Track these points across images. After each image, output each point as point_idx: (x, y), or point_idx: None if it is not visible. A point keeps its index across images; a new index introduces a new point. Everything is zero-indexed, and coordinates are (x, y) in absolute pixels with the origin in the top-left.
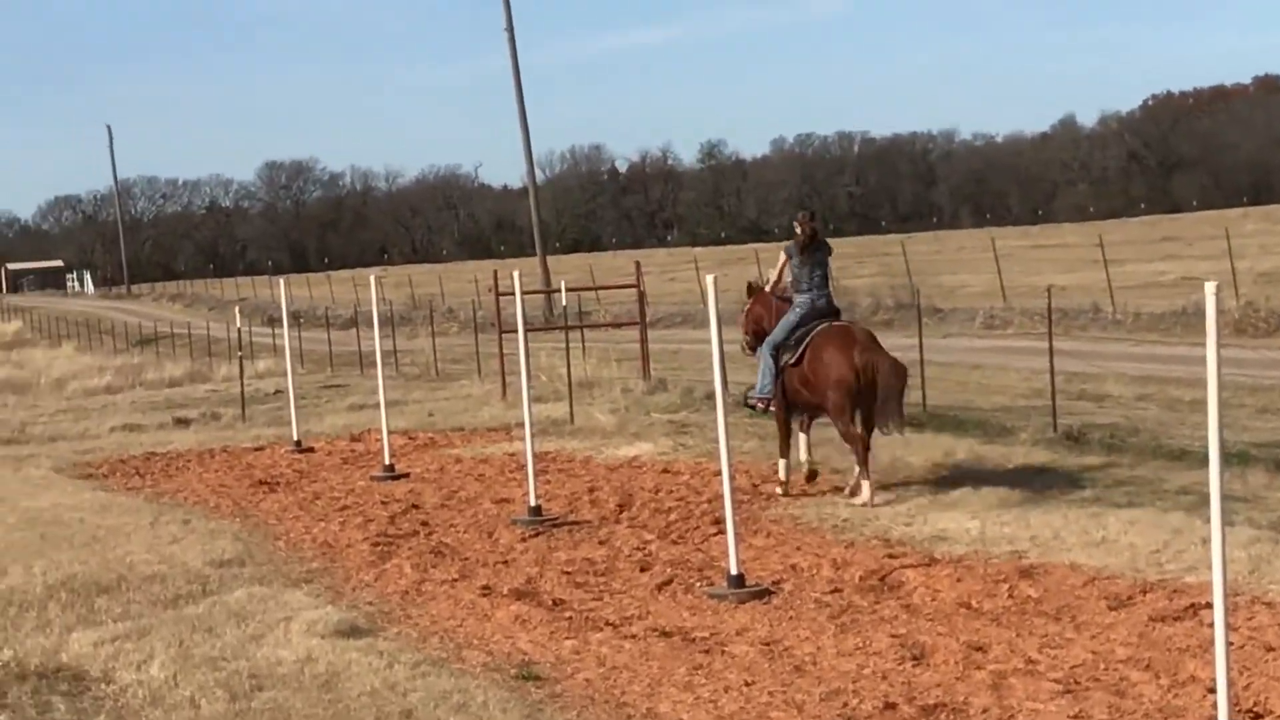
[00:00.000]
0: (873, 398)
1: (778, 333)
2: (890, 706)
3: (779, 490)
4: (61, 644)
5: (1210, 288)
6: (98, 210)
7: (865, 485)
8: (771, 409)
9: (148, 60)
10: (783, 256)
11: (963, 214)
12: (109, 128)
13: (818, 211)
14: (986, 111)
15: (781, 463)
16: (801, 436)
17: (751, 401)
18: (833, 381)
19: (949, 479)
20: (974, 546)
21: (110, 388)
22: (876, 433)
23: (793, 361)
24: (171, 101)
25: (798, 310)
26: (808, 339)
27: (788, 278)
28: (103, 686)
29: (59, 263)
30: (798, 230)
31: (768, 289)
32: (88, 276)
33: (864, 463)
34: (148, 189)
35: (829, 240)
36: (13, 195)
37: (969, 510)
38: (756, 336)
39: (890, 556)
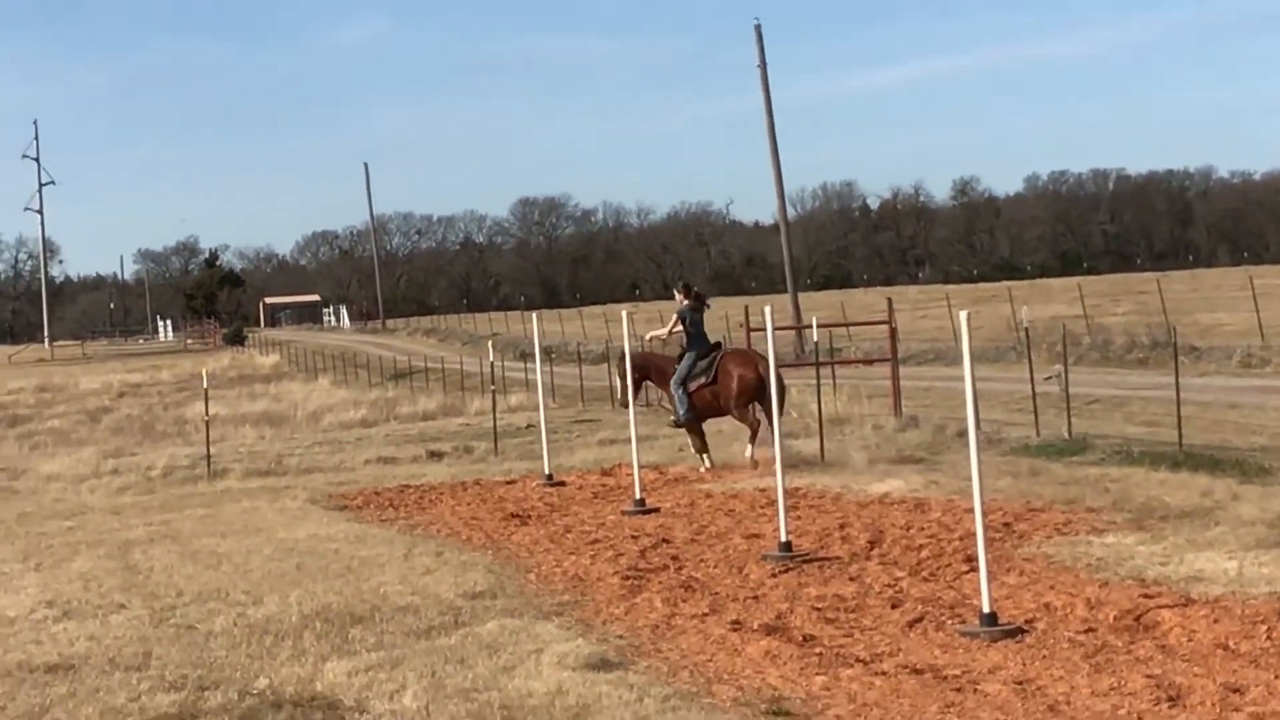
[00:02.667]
0: (765, 394)
1: (682, 371)
2: None
3: (704, 468)
4: (316, 673)
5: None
6: (354, 246)
7: (750, 449)
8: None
9: (405, 98)
10: (676, 319)
11: (1220, 252)
12: (366, 165)
13: (693, 281)
14: (1244, 149)
15: (704, 457)
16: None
17: (680, 423)
18: (736, 383)
19: (1206, 519)
20: (1231, 587)
21: (365, 421)
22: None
23: (707, 382)
24: (427, 139)
25: (693, 353)
26: (715, 364)
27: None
28: (356, 716)
29: (316, 297)
30: (683, 298)
31: (649, 341)
32: (344, 311)
33: (754, 439)
34: (403, 225)
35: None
36: (271, 231)
37: (1226, 550)
38: (638, 386)
39: (1145, 596)
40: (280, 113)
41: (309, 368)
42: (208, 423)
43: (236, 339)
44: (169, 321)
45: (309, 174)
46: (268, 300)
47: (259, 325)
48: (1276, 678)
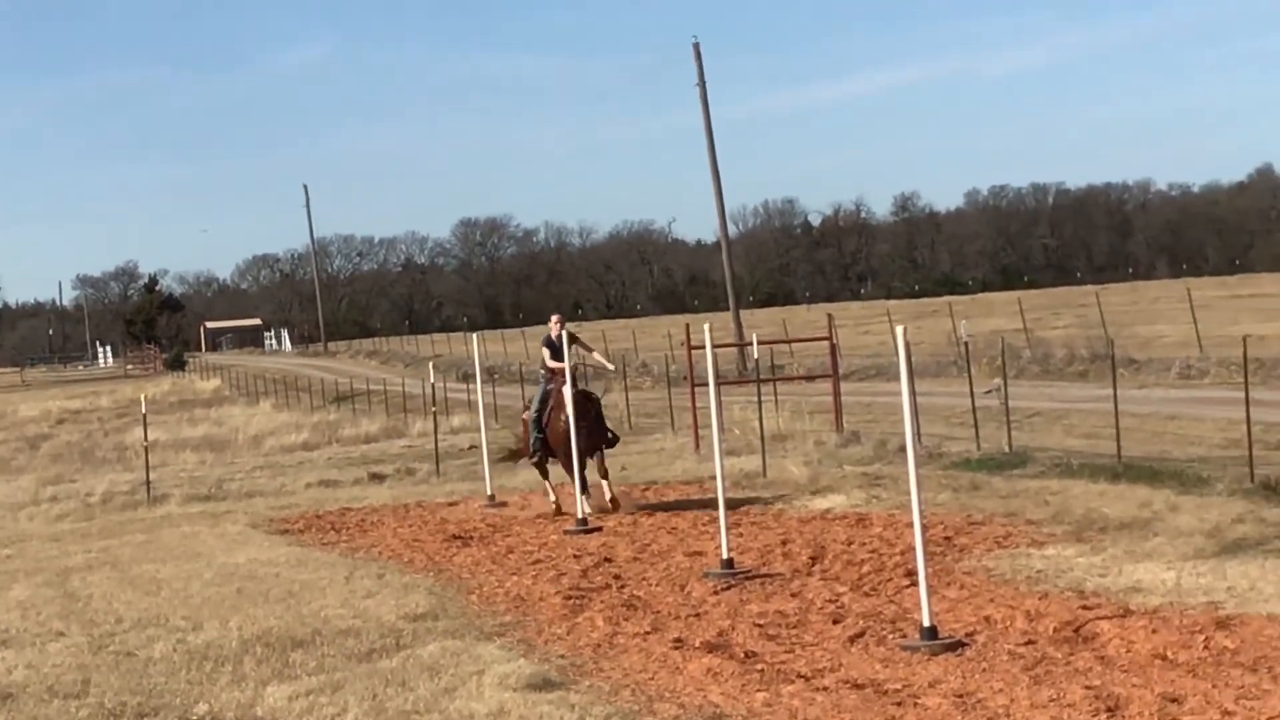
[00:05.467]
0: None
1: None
2: None
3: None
4: (257, 698)
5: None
6: (295, 269)
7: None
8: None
9: (344, 121)
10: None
11: (1159, 264)
12: (305, 187)
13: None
14: (1183, 162)
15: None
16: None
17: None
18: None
19: (1144, 530)
20: (1169, 598)
21: (306, 444)
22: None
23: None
24: (367, 161)
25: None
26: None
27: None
28: None
29: (257, 321)
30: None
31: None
32: (285, 334)
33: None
34: (344, 247)
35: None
36: (211, 255)
37: (1164, 561)
38: None
39: (1085, 608)
40: (219, 136)
41: (250, 392)
42: (147, 448)
43: (177, 364)
44: (109, 347)
45: (249, 197)
46: (208, 325)
47: (200, 350)
48: (1214, 687)
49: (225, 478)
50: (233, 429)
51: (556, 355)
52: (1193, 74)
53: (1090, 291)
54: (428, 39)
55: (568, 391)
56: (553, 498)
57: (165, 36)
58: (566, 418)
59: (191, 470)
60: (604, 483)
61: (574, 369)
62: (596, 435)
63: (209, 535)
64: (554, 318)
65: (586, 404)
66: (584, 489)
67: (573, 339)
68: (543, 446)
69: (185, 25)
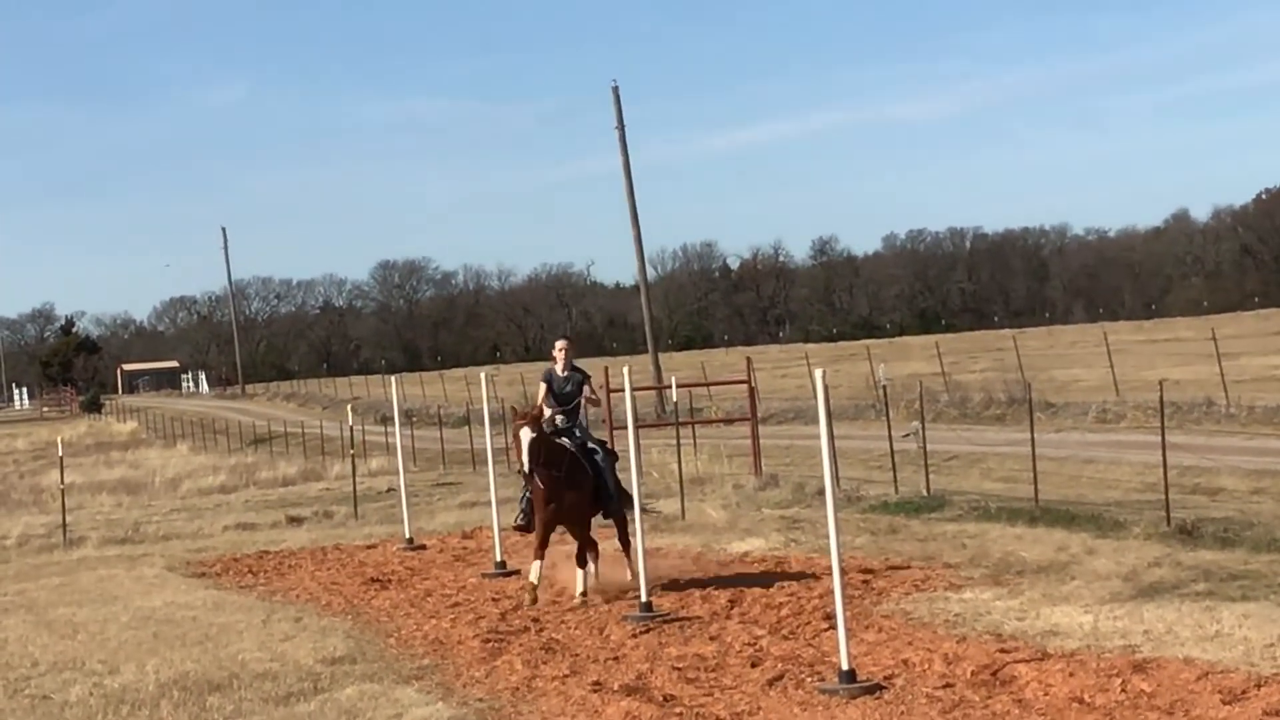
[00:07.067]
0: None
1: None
2: None
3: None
4: None
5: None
6: (213, 311)
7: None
8: None
9: (263, 162)
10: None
11: (1076, 309)
12: (224, 229)
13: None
14: (1099, 207)
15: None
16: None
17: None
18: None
19: (1061, 573)
20: (1086, 641)
21: (224, 487)
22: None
23: (558, 475)
24: (286, 203)
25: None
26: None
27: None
28: None
29: (174, 363)
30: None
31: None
32: (203, 377)
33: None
34: (262, 289)
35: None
36: (129, 297)
37: (1082, 604)
38: None
39: (1002, 651)
40: (138, 178)
41: (167, 434)
42: (64, 491)
43: (93, 406)
44: (24, 389)
45: (167, 239)
46: (125, 367)
47: (116, 392)
48: None
49: (142, 520)
50: (150, 471)
51: (562, 399)
52: (1109, 120)
53: (1007, 335)
54: (345, 81)
55: (525, 435)
56: (533, 578)
57: (82, 76)
58: (552, 475)
59: (108, 513)
60: (625, 559)
61: (552, 417)
62: (579, 496)
63: (126, 578)
64: (559, 344)
65: (558, 456)
66: (581, 562)
67: (584, 377)
68: (530, 510)
69: (102, 65)
